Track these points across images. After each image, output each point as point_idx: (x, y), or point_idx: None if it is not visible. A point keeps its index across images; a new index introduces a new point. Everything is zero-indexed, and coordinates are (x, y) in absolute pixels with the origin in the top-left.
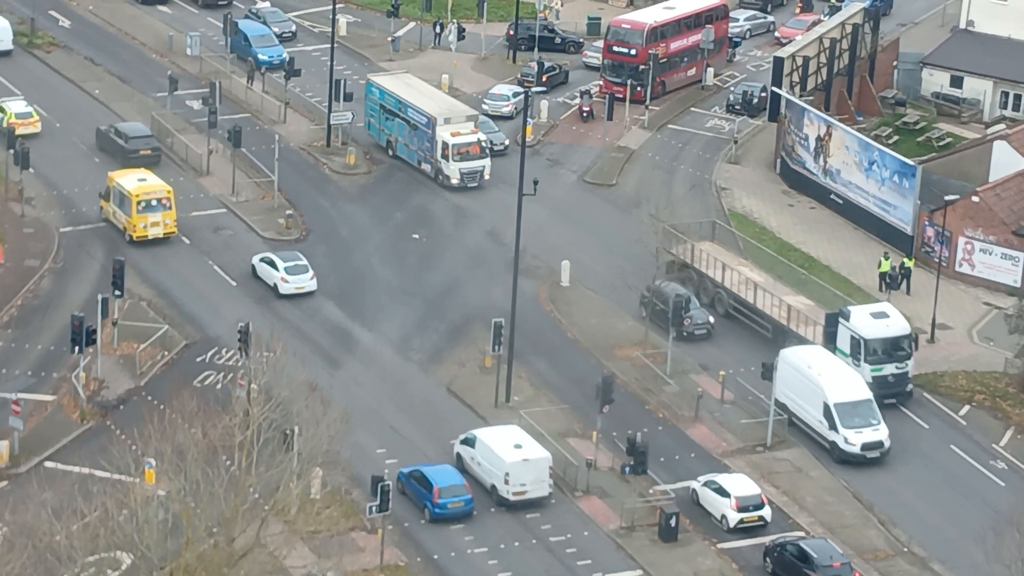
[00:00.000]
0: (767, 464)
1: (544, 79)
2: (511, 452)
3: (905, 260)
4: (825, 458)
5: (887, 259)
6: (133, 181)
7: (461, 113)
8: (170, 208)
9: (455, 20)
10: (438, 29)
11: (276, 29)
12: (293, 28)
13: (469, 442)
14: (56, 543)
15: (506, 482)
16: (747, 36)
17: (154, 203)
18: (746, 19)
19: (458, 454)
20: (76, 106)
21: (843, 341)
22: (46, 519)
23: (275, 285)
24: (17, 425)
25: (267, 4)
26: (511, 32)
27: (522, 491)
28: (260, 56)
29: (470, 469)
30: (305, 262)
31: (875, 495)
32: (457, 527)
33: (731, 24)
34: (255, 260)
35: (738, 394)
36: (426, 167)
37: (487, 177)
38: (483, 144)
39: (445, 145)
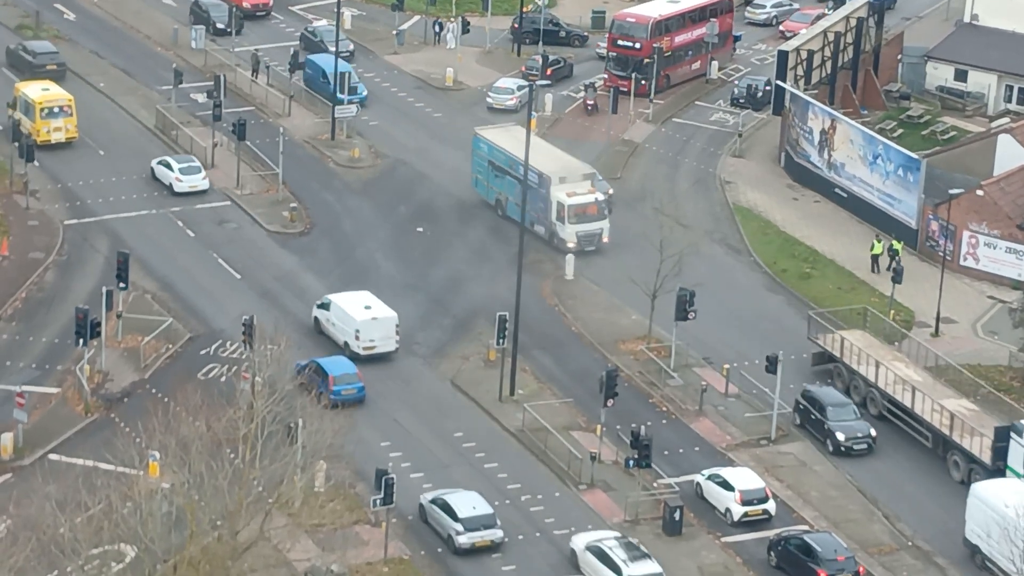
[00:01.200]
0: (771, 458)
1: (548, 72)
2: (361, 312)
3: (894, 243)
4: (829, 451)
5: (879, 242)
6: (37, 91)
7: (577, 171)
8: (71, 115)
9: (460, 15)
10: (438, 28)
11: (333, 49)
12: (351, 47)
13: (325, 306)
14: (60, 536)
15: (356, 338)
16: (773, 22)
17: (56, 110)
18: (772, 5)
19: (316, 317)
20: (81, 100)
21: (1015, 459)
22: (50, 512)
23: (171, 184)
24: (21, 418)
25: (323, 22)
26: (516, 25)
27: (371, 346)
28: (341, 96)
29: (326, 330)
30: (198, 163)
31: (879, 489)
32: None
33: (758, 11)
34: (153, 163)
35: (742, 387)
36: (539, 229)
37: (606, 240)
38: (601, 204)
39: (561, 206)
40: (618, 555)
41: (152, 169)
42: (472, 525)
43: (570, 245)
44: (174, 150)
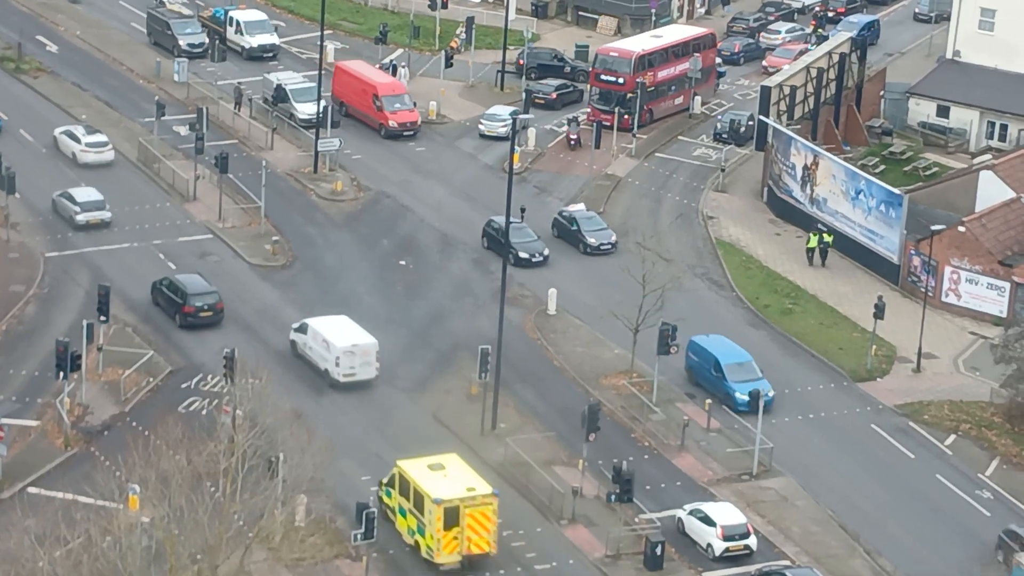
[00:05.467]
0: (753, 493)
1: (554, 95)
2: None
3: (825, 235)
4: (811, 487)
5: (815, 235)
6: None
7: None
8: None
9: (444, 49)
10: (391, 71)
11: (592, 240)
12: (613, 238)
13: None
14: (39, 570)
15: None
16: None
17: None
18: (787, 31)
19: None
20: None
21: None
22: (29, 546)
23: None
24: (0, 451)
25: (581, 206)
26: (521, 61)
27: None
28: (738, 395)
29: None
30: None
31: (861, 525)
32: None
33: (771, 36)
34: None
35: (724, 423)
36: None
37: None
38: None
39: None
40: (78, 132)
41: None
42: (87, 208)
43: None
44: (156, 183)
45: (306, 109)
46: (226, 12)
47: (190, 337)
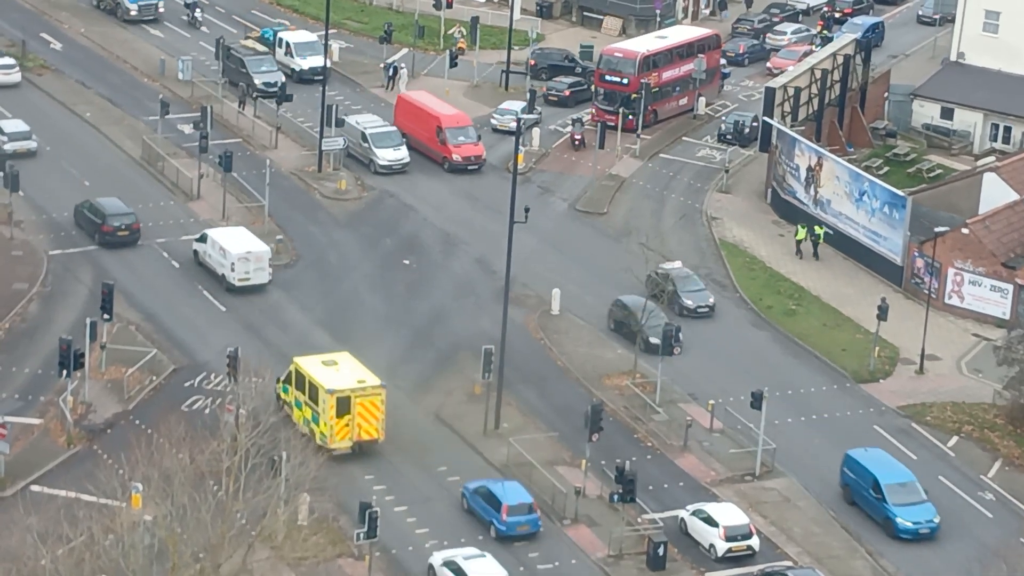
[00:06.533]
0: (755, 494)
1: (567, 93)
2: None
3: (816, 228)
4: (813, 488)
5: (803, 227)
6: None
7: None
8: None
9: (448, 48)
10: (391, 73)
11: (689, 302)
12: (711, 301)
13: None
14: (41, 568)
15: None
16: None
17: None
18: (792, 32)
19: None
20: (66, 130)
21: None
22: (31, 544)
23: None
24: (3, 449)
25: (678, 264)
26: (533, 62)
27: None
28: (900, 521)
29: None
30: None
31: (862, 526)
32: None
33: (776, 37)
34: None
35: (727, 423)
36: None
37: None
38: None
39: None
40: None
41: None
42: (14, 137)
43: None
44: (160, 181)
45: (386, 155)
46: (275, 33)
47: (193, 336)
